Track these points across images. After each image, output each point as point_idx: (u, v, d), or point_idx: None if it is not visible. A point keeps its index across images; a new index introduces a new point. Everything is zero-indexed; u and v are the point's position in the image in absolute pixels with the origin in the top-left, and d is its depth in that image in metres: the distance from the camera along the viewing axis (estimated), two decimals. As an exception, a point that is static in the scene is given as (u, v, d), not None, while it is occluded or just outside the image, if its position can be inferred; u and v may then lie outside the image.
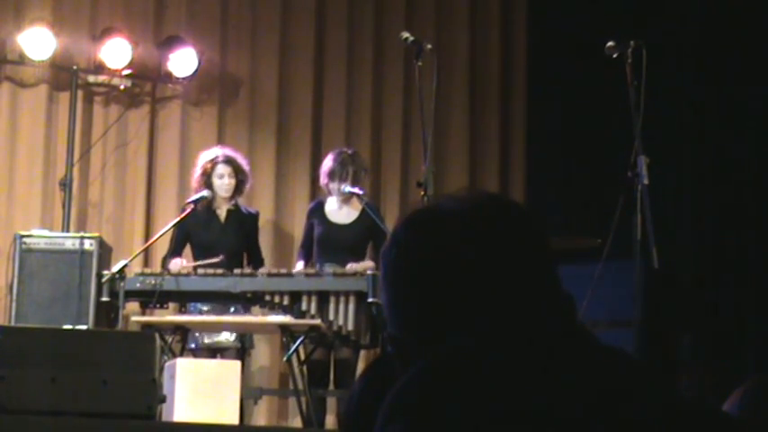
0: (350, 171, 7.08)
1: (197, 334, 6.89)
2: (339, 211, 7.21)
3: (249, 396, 7.07)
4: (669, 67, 7.82)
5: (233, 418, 5.73)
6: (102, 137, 8.12)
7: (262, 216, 7.58)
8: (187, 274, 6.79)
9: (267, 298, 6.72)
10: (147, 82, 8.25)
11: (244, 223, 7.27)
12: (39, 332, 5.28)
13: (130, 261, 6.77)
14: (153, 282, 6.65)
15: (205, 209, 7.15)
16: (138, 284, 6.67)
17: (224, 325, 6.82)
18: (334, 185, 7.11)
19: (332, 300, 6.65)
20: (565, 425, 1.46)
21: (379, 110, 8.56)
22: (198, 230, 7.16)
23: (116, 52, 7.94)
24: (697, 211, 8.23)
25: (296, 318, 6.63)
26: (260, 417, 7.79)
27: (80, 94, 8.07)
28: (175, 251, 7.05)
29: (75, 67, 7.98)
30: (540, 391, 1.48)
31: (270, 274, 6.81)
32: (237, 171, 7.19)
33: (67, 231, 7.43)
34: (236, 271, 6.82)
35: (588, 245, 5.93)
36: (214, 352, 6.96)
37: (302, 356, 6.69)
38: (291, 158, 8.40)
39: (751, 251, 8.04)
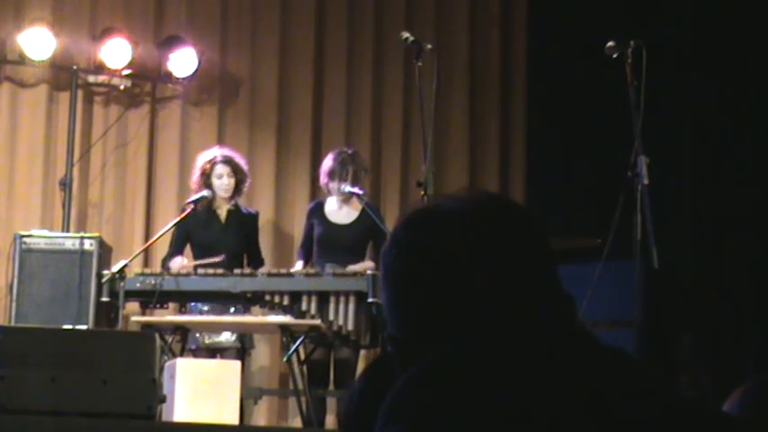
0: (350, 171, 7.07)
1: (197, 334, 6.88)
2: (339, 211, 7.21)
3: (249, 396, 7.07)
4: (669, 67, 7.82)
5: (233, 418, 5.73)
6: (102, 137, 8.12)
7: (262, 216, 7.58)
8: (187, 274, 6.79)
9: (267, 298, 6.71)
10: (147, 82, 8.25)
11: (244, 223, 7.26)
12: (39, 332, 5.29)
13: (130, 261, 6.76)
14: (153, 282, 6.65)
15: (205, 209, 7.15)
16: (138, 284, 6.66)
17: (224, 325, 6.82)
18: (334, 185, 7.10)
19: (332, 300, 6.65)
20: (565, 425, 1.46)
21: (379, 110, 8.56)
22: (198, 230, 7.16)
23: (116, 52, 7.94)
24: (697, 211, 8.23)
25: (296, 318, 6.63)
26: (260, 417, 7.79)
27: (80, 94, 8.07)
28: (175, 251, 7.05)
29: (75, 67, 7.98)
30: (540, 391, 1.48)
31: (270, 274, 6.81)
32: (236, 171, 7.19)
33: (67, 231, 7.43)
34: (236, 271, 6.82)
35: (588, 245, 5.92)
36: (214, 352, 6.96)
37: (302, 356, 6.69)
38: (291, 158, 8.40)
39: (751, 251, 8.04)
